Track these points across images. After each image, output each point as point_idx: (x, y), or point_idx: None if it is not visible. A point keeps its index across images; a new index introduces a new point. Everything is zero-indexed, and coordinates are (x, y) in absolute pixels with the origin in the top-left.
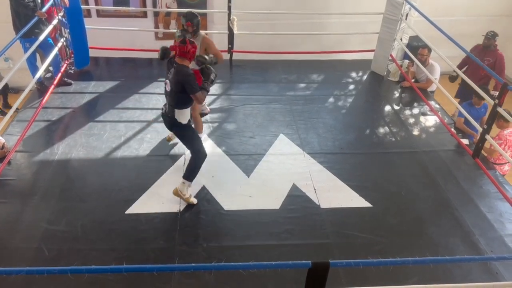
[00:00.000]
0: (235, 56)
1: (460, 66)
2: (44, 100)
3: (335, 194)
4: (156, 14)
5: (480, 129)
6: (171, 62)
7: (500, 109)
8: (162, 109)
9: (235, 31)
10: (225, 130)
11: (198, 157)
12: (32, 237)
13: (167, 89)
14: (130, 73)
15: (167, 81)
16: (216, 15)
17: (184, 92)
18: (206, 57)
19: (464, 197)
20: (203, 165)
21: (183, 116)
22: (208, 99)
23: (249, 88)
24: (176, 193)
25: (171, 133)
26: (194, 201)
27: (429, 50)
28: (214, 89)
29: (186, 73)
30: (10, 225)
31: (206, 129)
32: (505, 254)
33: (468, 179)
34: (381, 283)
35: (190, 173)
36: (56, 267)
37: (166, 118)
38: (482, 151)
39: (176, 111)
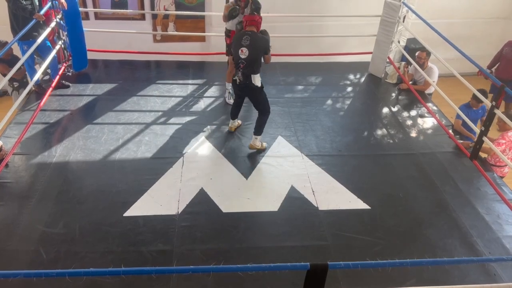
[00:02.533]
0: None
1: (492, 63)
2: (42, 103)
3: (333, 196)
4: (154, 16)
5: (478, 131)
6: (240, 34)
7: (497, 111)
8: (235, 80)
9: None
10: (223, 132)
11: (266, 115)
12: (29, 240)
13: (242, 56)
14: (128, 76)
15: (244, 48)
16: (215, 17)
17: (261, 56)
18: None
19: (462, 198)
20: (200, 167)
21: (258, 79)
22: (206, 101)
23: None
24: (252, 146)
25: (233, 123)
26: (265, 145)
27: (428, 54)
28: (213, 91)
29: (263, 37)
30: (8, 228)
31: (203, 130)
32: (503, 255)
33: (465, 180)
34: (379, 285)
35: (259, 129)
36: (54, 270)
37: (242, 86)
38: (481, 151)
39: (253, 76)
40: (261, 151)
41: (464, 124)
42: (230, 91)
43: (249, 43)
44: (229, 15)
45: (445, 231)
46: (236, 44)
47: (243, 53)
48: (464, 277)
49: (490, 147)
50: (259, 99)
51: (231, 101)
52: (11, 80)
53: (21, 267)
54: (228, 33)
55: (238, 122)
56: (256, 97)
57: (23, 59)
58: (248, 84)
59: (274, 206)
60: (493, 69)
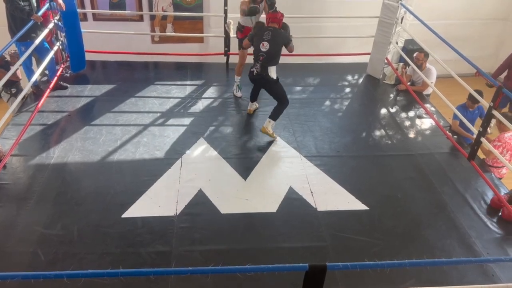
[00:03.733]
0: (232, 59)
1: (499, 71)
2: (40, 104)
3: (332, 197)
4: (152, 17)
5: (475, 131)
6: (262, 29)
7: (495, 112)
8: (253, 71)
9: (231, 34)
10: (222, 133)
11: (284, 104)
12: (27, 241)
13: (262, 49)
14: (126, 77)
15: (265, 42)
16: (213, 18)
17: (280, 50)
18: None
19: (460, 199)
20: (199, 168)
21: (274, 71)
22: (204, 102)
23: (245, 91)
24: (264, 130)
25: (252, 105)
26: (276, 137)
27: (426, 55)
28: (211, 92)
29: (284, 33)
30: (5, 230)
31: (201, 132)
32: (501, 256)
33: (464, 181)
34: (378, 286)
35: (275, 115)
36: (52, 271)
37: (258, 77)
38: (480, 152)
39: (270, 68)
40: (258, 154)
41: (462, 124)
42: (239, 84)
43: (270, 37)
44: (249, 12)
45: (444, 232)
46: (258, 38)
47: (264, 46)
48: (462, 278)
49: (488, 148)
50: (274, 89)
51: (239, 94)
52: (8, 86)
53: (19, 269)
54: (241, 28)
55: (256, 105)
56: (272, 88)
57: (21, 60)
58: (264, 76)
59: (272, 207)
60: (499, 77)
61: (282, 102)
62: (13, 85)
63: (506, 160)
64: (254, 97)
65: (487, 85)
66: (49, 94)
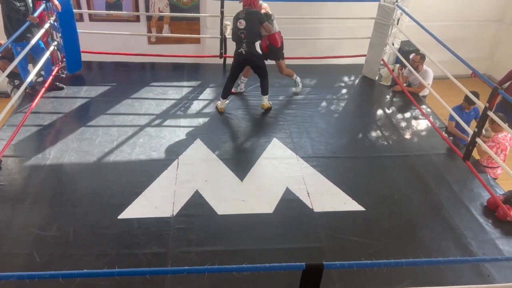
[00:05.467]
0: (229, 61)
1: (504, 80)
2: (34, 104)
3: (328, 198)
4: (149, 18)
5: (471, 133)
6: (238, 13)
7: (490, 113)
8: (241, 52)
9: (227, 35)
10: (218, 134)
11: (267, 78)
12: (23, 243)
13: (240, 27)
14: (122, 78)
15: (241, 20)
16: (209, 20)
17: (257, 27)
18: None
19: (456, 200)
20: (195, 169)
21: (258, 47)
22: (201, 103)
23: (242, 93)
24: (265, 106)
25: (221, 104)
26: (271, 104)
27: (422, 57)
28: (208, 93)
29: (257, 11)
30: (1, 231)
31: (198, 133)
32: (497, 256)
33: (459, 182)
34: (374, 286)
35: (266, 89)
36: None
37: (249, 55)
38: (475, 153)
39: (255, 44)
40: (254, 155)
41: (458, 126)
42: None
43: (244, 15)
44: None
45: (439, 233)
46: (235, 20)
47: (241, 24)
48: (458, 278)
49: (483, 148)
50: (261, 64)
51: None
52: (12, 77)
53: (15, 270)
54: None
55: (226, 101)
56: (259, 63)
57: (16, 61)
58: (253, 52)
59: (269, 208)
60: (503, 86)
61: (265, 75)
62: (16, 76)
63: (501, 160)
64: (228, 93)
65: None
66: (44, 95)
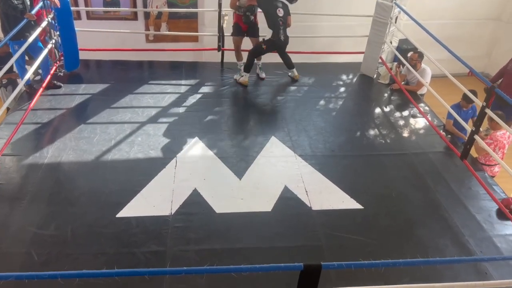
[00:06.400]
0: (226, 59)
1: (496, 78)
2: (33, 103)
3: (327, 196)
4: (146, 16)
5: (469, 130)
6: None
7: (488, 111)
8: (280, 38)
9: (224, 25)
10: (217, 133)
11: (286, 52)
12: (21, 242)
13: (280, 15)
14: (120, 76)
15: (280, 9)
16: (207, 17)
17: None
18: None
19: (454, 198)
20: (194, 168)
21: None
22: (199, 101)
23: (240, 91)
24: (298, 77)
25: (245, 77)
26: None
27: (420, 55)
28: (205, 91)
29: (287, 3)
30: None
31: (196, 131)
32: (495, 254)
33: (457, 180)
34: (372, 285)
35: (291, 62)
36: (46, 272)
37: (286, 41)
38: (473, 150)
39: (287, 30)
40: (253, 153)
41: (455, 124)
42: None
43: (281, 5)
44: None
45: (437, 231)
46: (272, 6)
47: (280, 12)
48: (456, 277)
49: (482, 146)
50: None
51: (263, 75)
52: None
53: (13, 270)
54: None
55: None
56: (285, 48)
57: (13, 58)
58: (288, 38)
59: (267, 207)
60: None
61: (286, 52)
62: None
63: (499, 157)
64: (251, 67)
65: (486, 90)
66: (42, 93)
